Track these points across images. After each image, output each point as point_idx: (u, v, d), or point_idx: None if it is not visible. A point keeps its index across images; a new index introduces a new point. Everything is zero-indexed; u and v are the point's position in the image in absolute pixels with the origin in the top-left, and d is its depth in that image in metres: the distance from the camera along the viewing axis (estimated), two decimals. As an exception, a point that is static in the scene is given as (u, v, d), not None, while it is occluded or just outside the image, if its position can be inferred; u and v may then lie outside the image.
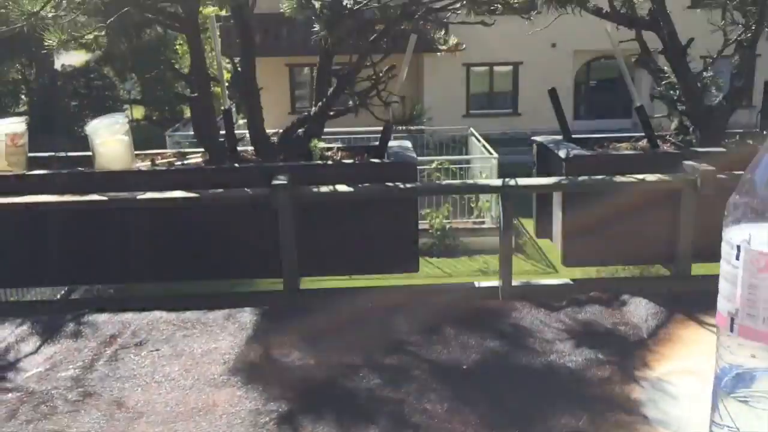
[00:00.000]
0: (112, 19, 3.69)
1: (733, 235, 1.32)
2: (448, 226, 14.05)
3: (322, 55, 3.80)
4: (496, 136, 18.47)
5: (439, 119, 18.37)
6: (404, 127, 4.09)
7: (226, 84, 3.92)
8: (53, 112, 18.17)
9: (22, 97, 20.67)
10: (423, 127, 17.63)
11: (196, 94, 3.62)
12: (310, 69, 22.98)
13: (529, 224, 11.10)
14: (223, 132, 3.87)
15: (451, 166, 14.36)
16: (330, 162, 3.66)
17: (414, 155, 3.73)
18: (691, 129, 3.82)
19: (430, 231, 13.80)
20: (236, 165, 3.62)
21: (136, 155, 3.86)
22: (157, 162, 3.82)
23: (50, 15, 3.63)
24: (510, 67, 22.76)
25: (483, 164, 14.78)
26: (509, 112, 22.63)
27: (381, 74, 3.80)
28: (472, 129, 16.94)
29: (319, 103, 3.73)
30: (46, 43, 3.72)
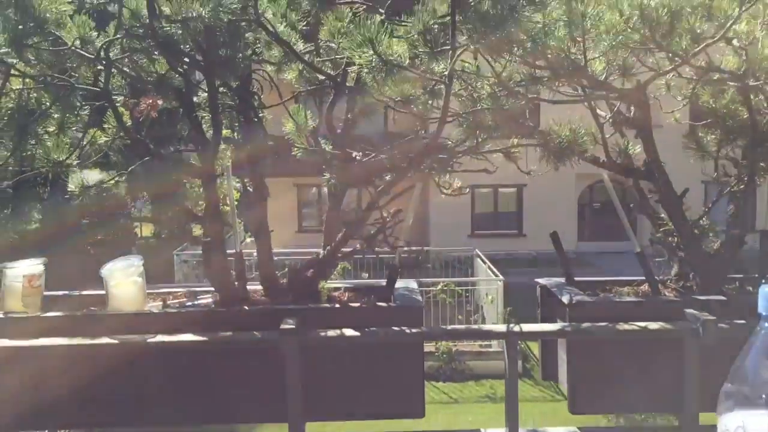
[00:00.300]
0: (133, 167, 3.90)
1: (728, 423, 1.37)
2: (454, 348, 13.93)
3: (331, 201, 3.95)
4: (501, 256, 18.61)
5: (444, 239, 18.62)
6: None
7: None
8: (65, 229, 18.42)
9: (35, 214, 21.02)
10: (428, 248, 17.81)
11: (209, 238, 3.75)
12: (318, 189, 23.53)
13: (536, 347, 10.96)
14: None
15: (457, 288, 14.41)
16: (337, 305, 3.73)
17: (420, 298, 3.81)
18: (691, 275, 3.90)
19: (437, 354, 13.67)
20: (245, 307, 3.69)
21: (148, 294, 3.95)
22: (169, 302, 3.90)
23: (75, 163, 3.84)
24: (514, 189, 23.24)
25: (489, 286, 14.83)
26: (514, 233, 22.90)
27: (388, 218, 3.93)
28: (477, 250, 17.10)
29: (328, 248, 3.85)
30: (69, 189, 3.91)
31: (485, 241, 20.34)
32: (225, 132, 4.15)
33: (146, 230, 23.79)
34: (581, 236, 22.70)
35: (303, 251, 15.17)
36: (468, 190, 4.38)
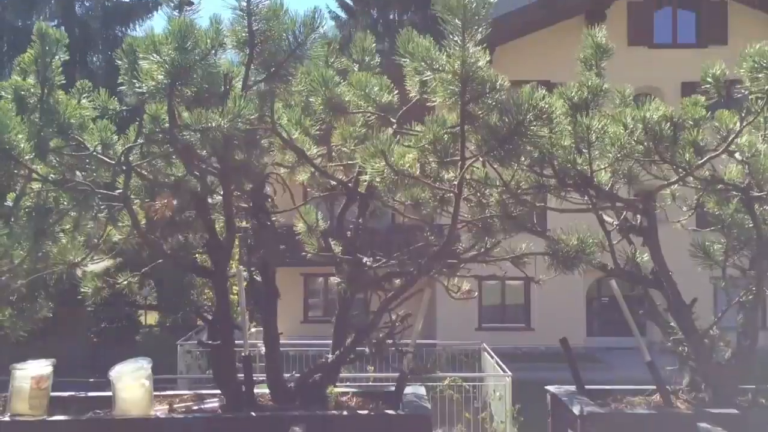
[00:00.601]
0: (146, 269, 3.95)
1: None
2: (461, 450, 13.52)
3: (341, 305, 3.98)
4: (509, 350, 18.34)
5: (451, 332, 18.45)
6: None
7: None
8: (70, 316, 18.38)
9: (40, 301, 21.00)
10: (435, 341, 17.62)
11: (219, 341, 3.75)
12: (324, 278, 23.48)
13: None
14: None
15: (464, 383, 14.11)
16: (345, 412, 3.69)
17: (428, 405, 3.76)
18: (703, 385, 3.86)
19: (443, 453, 13.27)
20: (253, 413, 3.65)
21: (155, 396, 3.91)
22: (175, 406, 3.87)
23: (89, 265, 3.90)
24: (521, 282, 23.09)
25: (497, 382, 14.52)
26: (522, 326, 22.64)
27: (397, 322, 3.94)
28: (484, 344, 16.88)
29: (337, 352, 3.84)
30: (82, 290, 3.95)
31: (493, 335, 20.08)
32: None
33: (150, 319, 23.67)
34: (590, 330, 22.34)
35: (308, 343, 15.03)
36: (476, 293, 4.39)
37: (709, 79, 3.95)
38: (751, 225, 3.94)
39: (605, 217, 4.18)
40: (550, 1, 19.25)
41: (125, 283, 4.09)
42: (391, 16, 34.85)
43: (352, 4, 34.86)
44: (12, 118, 3.59)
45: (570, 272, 3.71)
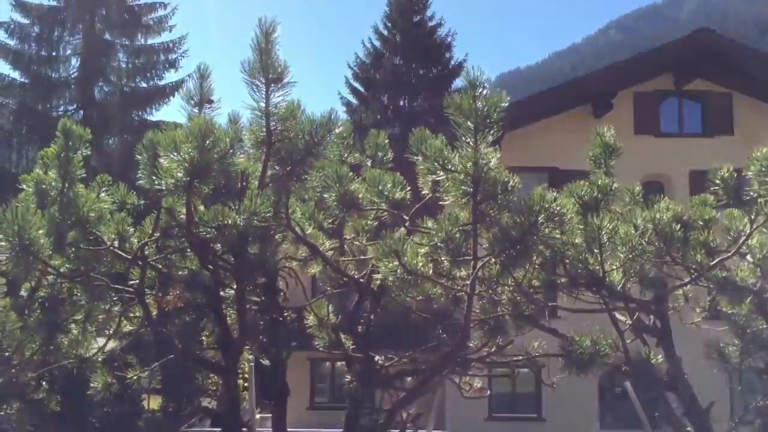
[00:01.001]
0: (156, 364, 3.94)
1: None
2: None
3: (351, 403, 3.92)
4: (520, 443, 17.83)
5: (460, 422, 18.03)
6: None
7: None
8: (74, 401, 18.10)
9: (43, 383, 20.76)
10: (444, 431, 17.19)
11: (227, 441, 3.70)
12: (331, 363, 23.14)
13: None
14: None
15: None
16: None
17: None
18: (724, 495, 3.75)
19: None
20: None
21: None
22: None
23: (99, 359, 3.89)
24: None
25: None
26: (533, 416, 22.08)
27: (408, 422, 3.88)
28: (495, 436, 16.44)
29: (347, 456, 3.78)
30: (92, 385, 3.93)
31: (503, 425, 19.60)
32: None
33: (153, 402, 23.21)
34: (603, 423, 21.73)
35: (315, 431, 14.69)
36: (488, 392, 4.33)
37: (718, 182, 4.01)
38: (765, 327, 3.92)
39: (618, 316, 4.15)
40: (556, 90, 19.71)
41: (135, 378, 4.06)
42: (402, 102, 35.66)
43: (363, 90, 35.78)
44: (33, 215, 3.64)
45: (584, 375, 3.66)
